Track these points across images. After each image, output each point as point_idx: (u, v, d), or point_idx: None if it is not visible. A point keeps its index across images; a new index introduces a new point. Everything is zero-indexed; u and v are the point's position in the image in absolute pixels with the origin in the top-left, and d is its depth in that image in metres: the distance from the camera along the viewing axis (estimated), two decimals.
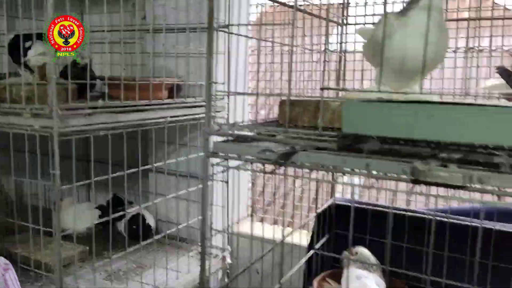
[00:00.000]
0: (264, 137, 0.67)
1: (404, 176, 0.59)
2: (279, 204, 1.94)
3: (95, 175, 1.15)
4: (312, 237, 1.44)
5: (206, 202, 0.76)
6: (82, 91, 1.21)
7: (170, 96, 1.50)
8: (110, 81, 1.20)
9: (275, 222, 1.88)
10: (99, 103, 1.07)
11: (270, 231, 1.39)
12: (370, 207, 1.37)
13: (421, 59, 0.78)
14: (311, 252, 1.37)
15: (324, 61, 1.17)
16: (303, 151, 0.65)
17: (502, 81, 1.09)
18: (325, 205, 1.38)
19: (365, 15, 1.31)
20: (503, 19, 1.34)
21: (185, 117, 1.33)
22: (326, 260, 1.44)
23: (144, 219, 1.60)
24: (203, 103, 1.50)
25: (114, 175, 1.20)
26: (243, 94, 1.43)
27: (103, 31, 1.32)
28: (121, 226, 1.67)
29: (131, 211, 1.58)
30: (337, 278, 1.28)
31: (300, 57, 1.62)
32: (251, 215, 1.95)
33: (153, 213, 1.73)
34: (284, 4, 0.98)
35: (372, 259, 1.22)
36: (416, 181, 0.59)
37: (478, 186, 0.55)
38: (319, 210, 1.36)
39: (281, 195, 1.89)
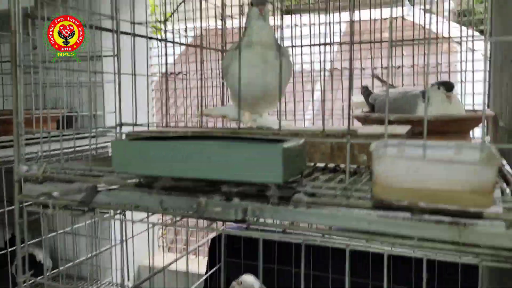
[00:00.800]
0: (65, 176, 0.64)
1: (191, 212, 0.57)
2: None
3: None
4: (207, 266, 1.41)
5: (18, 242, 0.72)
6: None
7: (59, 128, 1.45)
8: None
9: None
10: None
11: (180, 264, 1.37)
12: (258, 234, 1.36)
13: (250, 89, 0.80)
14: (199, 281, 1.33)
15: (201, 87, 1.17)
16: (106, 190, 0.63)
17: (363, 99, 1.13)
18: (215, 234, 1.36)
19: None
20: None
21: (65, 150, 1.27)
22: None
23: (33, 258, 1.52)
24: (93, 134, 1.45)
25: None
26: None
27: None
28: (14, 268, 1.58)
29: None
30: None
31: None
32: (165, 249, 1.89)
33: (51, 251, 1.65)
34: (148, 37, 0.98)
35: (256, 286, 1.20)
36: (201, 217, 0.57)
37: (255, 218, 0.54)
38: (203, 240, 1.33)
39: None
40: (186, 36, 1.65)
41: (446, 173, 0.38)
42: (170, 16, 0.67)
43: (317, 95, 1.71)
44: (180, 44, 1.45)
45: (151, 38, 1.29)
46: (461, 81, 1.28)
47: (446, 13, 1.54)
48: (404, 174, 0.39)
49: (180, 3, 1.15)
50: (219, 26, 1.34)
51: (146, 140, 0.53)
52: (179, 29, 1.77)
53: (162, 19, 1.74)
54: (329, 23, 1.46)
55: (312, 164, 0.74)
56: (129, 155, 0.51)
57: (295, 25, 1.61)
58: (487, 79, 1.18)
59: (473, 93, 1.17)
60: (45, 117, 1.36)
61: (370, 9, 1.46)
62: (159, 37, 1.73)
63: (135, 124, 0.72)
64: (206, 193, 0.57)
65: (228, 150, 0.46)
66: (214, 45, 1.57)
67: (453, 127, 0.83)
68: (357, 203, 0.48)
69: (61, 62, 1.52)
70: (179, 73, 1.80)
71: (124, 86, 0.94)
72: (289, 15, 1.68)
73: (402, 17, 1.52)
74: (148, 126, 0.95)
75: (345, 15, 1.60)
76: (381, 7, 1.50)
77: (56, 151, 1.29)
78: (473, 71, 1.23)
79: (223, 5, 1.31)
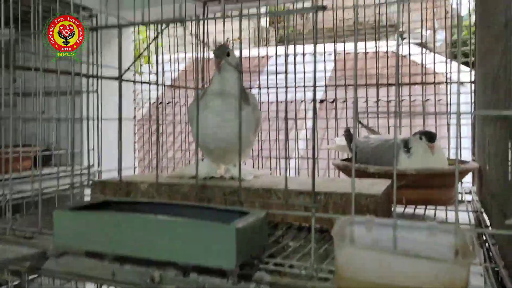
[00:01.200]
0: (14, 239, 0.59)
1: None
2: None
3: None
4: None
5: None
6: None
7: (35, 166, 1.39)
8: None
9: None
10: None
11: None
12: None
13: (214, 138, 0.77)
14: None
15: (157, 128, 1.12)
16: (56, 256, 0.57)
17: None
18: None
19: None
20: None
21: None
22: None
23: None
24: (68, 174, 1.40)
25: None
26: None
27: None
28: None
29: None
30: None
31: None
32: None
33: None
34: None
35: None
36: None
37: None
38: None
39: None
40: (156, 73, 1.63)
41: (414, 269, 0.33)
42: (128, 69, 0.64)
43: (303, 133, 1.68)
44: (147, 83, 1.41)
45: (117, 78, 1.24)
46: (448, 124, 1.25)
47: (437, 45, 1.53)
48: (368, 267, 0.34)
49: (144, 50, 1.12)
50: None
51: (89, 211, 0.48)
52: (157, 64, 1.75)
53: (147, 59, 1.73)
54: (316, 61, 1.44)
55: (286, 223, 0.70)
56: (71, 227, 0.46)
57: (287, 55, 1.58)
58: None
59: (460, 136, 1.14)
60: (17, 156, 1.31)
61: (355, 44, 1.44)
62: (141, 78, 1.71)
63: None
64: (162, 265, 0.51)
65: (175, 229, 0.42)
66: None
67: (437, 181, 0.79)
68: (322, 287, 0.43)
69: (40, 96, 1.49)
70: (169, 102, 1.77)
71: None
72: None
73: (387, 52, 1.50)
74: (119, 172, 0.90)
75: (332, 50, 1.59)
76: (365, 41, 1.49)
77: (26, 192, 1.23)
78: (458, 115, 1.21)
79: (199, 42, 1.29)
